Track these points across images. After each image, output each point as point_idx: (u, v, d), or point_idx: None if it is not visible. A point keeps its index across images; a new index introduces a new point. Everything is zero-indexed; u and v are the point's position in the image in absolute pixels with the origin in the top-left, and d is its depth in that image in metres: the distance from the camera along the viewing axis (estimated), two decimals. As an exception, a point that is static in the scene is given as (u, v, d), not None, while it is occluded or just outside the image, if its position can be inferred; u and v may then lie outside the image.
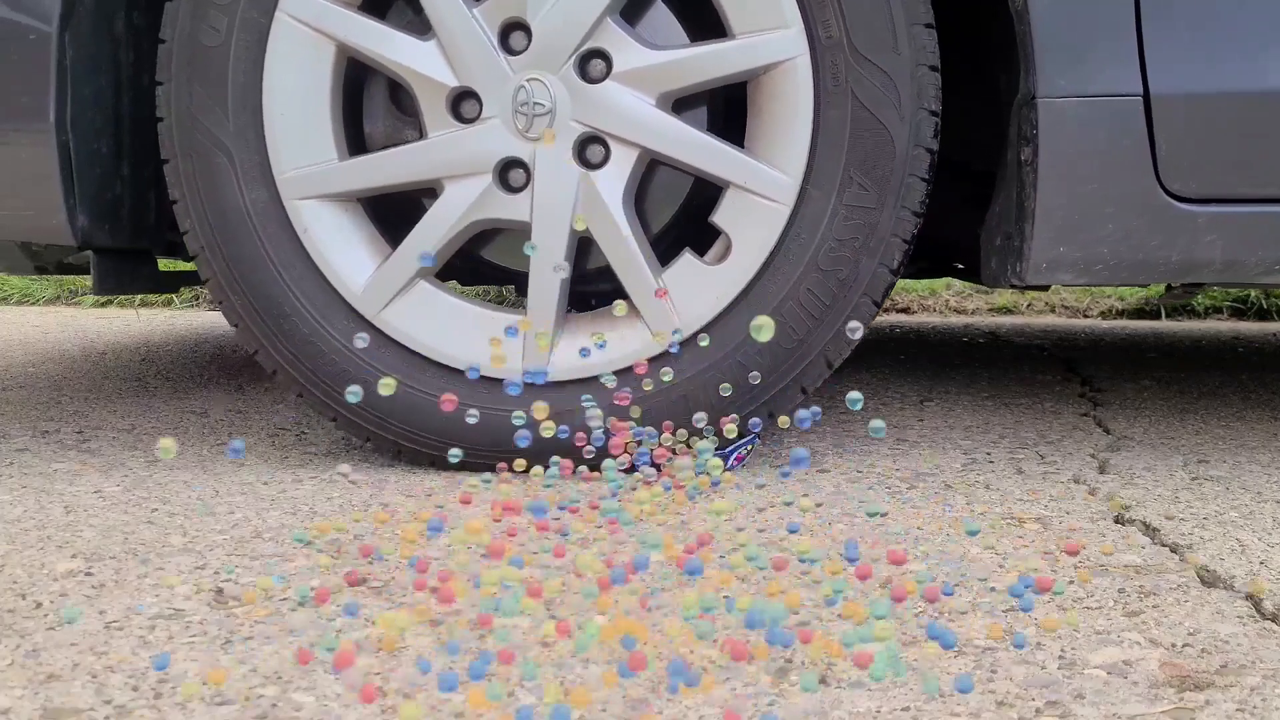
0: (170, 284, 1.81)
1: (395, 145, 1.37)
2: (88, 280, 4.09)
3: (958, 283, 3.83)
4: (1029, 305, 3.78)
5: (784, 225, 1.30)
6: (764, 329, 1.00)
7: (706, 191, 1.38)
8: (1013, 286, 1.39)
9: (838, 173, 1.28)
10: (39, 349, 2.72)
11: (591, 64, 1.31)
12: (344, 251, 1.35)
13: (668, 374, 1.28)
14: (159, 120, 1.35)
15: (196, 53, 1.32)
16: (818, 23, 1.26)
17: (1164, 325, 3.45)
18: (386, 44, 1.32)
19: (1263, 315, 3.53)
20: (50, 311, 3.91)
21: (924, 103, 1.27)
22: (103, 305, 4.06)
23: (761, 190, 1.30)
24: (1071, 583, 0.96)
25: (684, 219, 1.46)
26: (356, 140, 1.42)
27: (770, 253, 1.30)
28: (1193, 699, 0.74)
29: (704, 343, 1.30)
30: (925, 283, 3.82)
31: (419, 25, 1.36)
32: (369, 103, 1.44)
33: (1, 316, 3.69)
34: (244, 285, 1.34)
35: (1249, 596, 0.93)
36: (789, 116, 1.29)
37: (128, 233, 1.46)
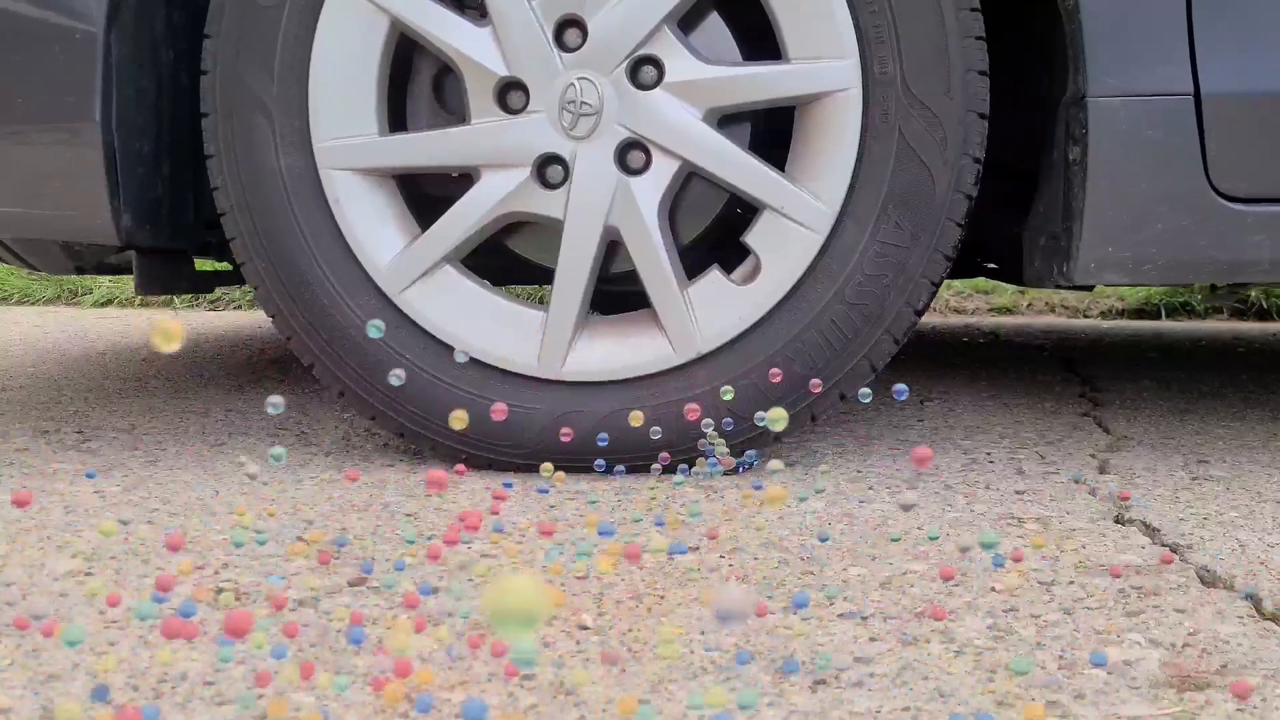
0: (207, 284, 1.82)
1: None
2: (89, 280, 4.11)
3: (958, 282, 3.83)
4: (1029, 305, 3.78)
5: (816, 253, 1.29)
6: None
7: (739, 209, 1.37)
8: (1058, 286, 1.38)
9: (875, 208, 1.28)
10: (39, 349, 2.72)
11: (643, 70, 1.31)
12: (373, 227, 1.35)
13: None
14: (202, 73, 1.34)
15: (249, 11, 1.32)
16: (874, 58, 1.26)
17: (1164, 325, 3.45)
18: (441, 25, 1.31)
19: (1263, 315, 3.53)
20: (50, 311, 3.91)
21: (969, 149, 1.27)
22: (102, 305, 4.06)
23: (797, 216, 1.29)
24: (1072, 583, 0.96)
25: (715, 234, 1.45)
26: (396, 126, 1.42)
27: (799, 279, 1.30)
28: (1193, 699, 0.74)
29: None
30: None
31: (471, 11, 1.35)
32: (412, 91, 1.44)
33: (1, 316, 3.69)
34: (269, 248, 1.34)
35: (1249, 597, 0.93)
36: (833, 147, 1.29)
37: (168, 232, 1.46)
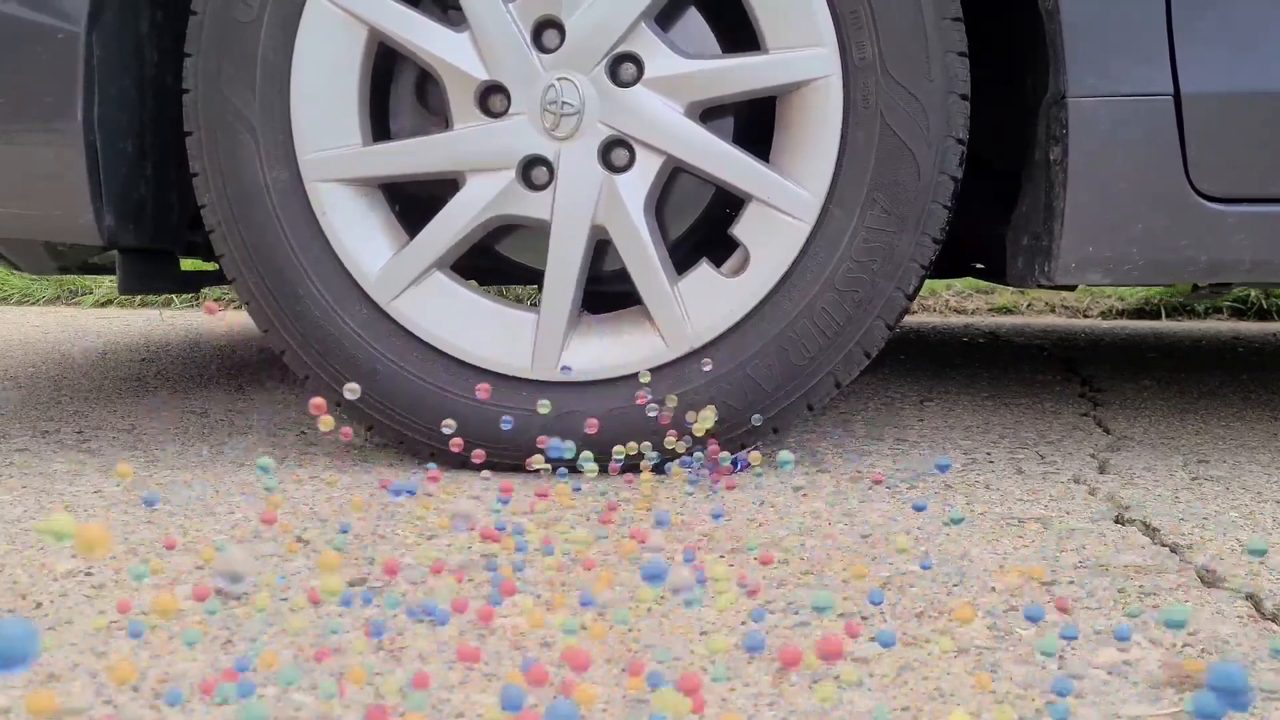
0: (192, 284, 1.82)
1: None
2: (89, 280, 4.11)
3: (958, 283, 3.83)
4: (1029, 305, 3.78)
5: (803, 243, 1.30)
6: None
7: (727, 202, 1.38)
8: (1040, 286, 1.39)
9: (861, 194, 1.28)
10: (39, 349, 2.72)
11: (623, 67, 1.31)
12: (361, 237, 1.35)
13: (672, 401, 1.29)
14: (184, 92, 1.34)
15: (228, 27, 1.32)
16: (852, 44, 1.26)
17: (1164, 325, 3.45)
18: (419, 32, 1.31)
19: (1263, 315, 3.53)
20: (50, 311, 3.91)
21: (952, 131, 1.27)
22: (103, 305, 4.06)
23: (784, 206, 1.30)
24: (1072, 583, 0.96)
25: (703, 228, 1.45)
26: (380, 131, 1.42)
27: (788, 269, 1.30)
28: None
29: (707, 366, 1.30)
30: (926, 282, 3.82)
31: (450, 16, 1.35)
32: (395, 96, 1.44)
33: (1, 316, 3.69)
34: (259, 263, 1.34)
35: (1249, 596, 0.93)
36: (816, 135, 1.29)
37: (151, 232, 1.46)
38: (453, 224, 1.33)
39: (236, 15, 1.32)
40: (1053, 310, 3.75)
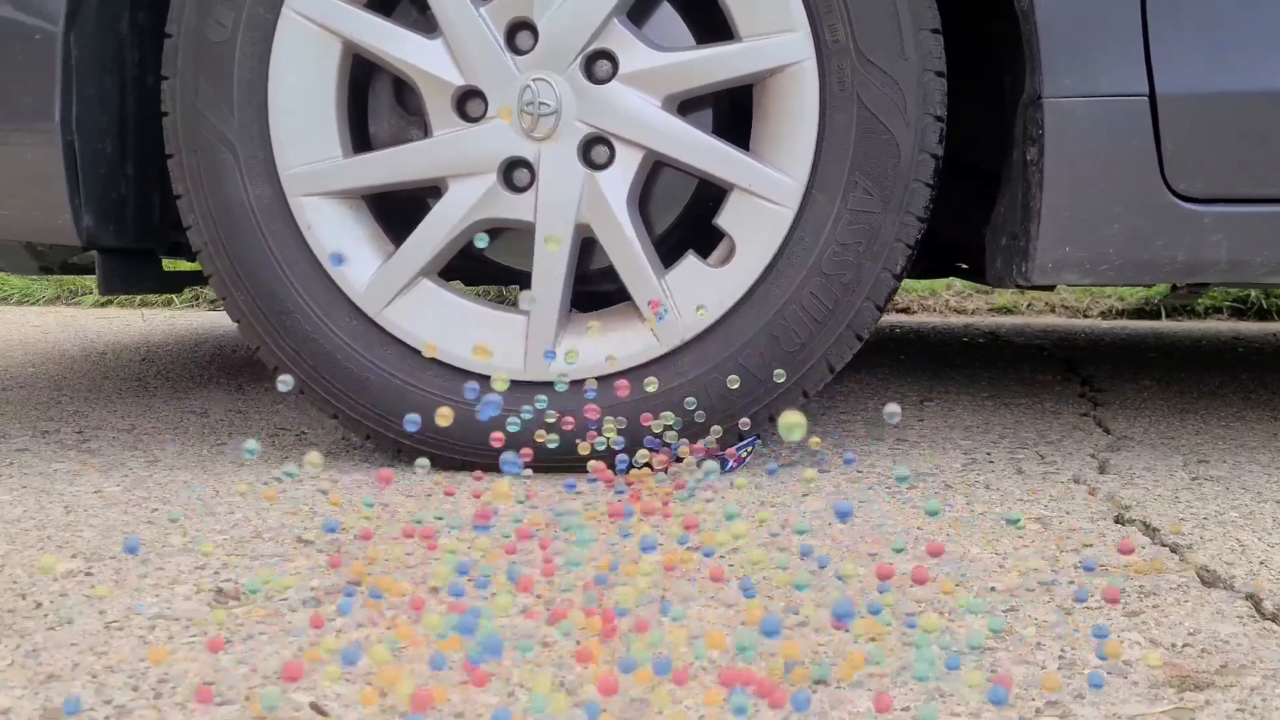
0: (174, 284, 1.81)
1: (400, 144, 1.37)
2: (88, 280, 4.11)
3: (958, 283, 3.83)
4: (1029, 305, 3.78)
5: (788, 229, 1.30)
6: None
7: (711, 193, 1.38)
8: (1018, 286, 1.39)
9: (842, 177, 1.28)
10: (39, 349, 2.72)
11: (597, 65, 1.31)
12: (347, 249, 1.34)
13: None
14: (164, 115, 1.35)
15: (202, 48, 1.32)
16: (824, 26, 1.26)
17: (1164, 325, 3.45)
18: (393, 42, 1.31)
19: (1263, 315, 3.53)
20: (50, 311, 3.91)
21: (930, 108, 1.27)
22: (103, 305, 4.06)
23: (766, 193, 1.30)
24: (1072, 583, 0.96)
25: (688, 221, 1.46)
26: (361, 139, 1.42)
27: (774, 256, 1.30)
28: (1193, 699, 0.74)
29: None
30: (925, 283, 3.82)
31: (425, 24, 1.35)
32: (374, 102, 1.45)
33: (1, 316, 3.69)
34: (246, 281, 1.35)
35: (1249, 596, 0.93)
36: (794, 120, 1.29)
37: (132, 233, 1.46)
38: (437, 231, 1.33)
39: (210, 35, 1.32)
40: (1053, 310, 3.75)
